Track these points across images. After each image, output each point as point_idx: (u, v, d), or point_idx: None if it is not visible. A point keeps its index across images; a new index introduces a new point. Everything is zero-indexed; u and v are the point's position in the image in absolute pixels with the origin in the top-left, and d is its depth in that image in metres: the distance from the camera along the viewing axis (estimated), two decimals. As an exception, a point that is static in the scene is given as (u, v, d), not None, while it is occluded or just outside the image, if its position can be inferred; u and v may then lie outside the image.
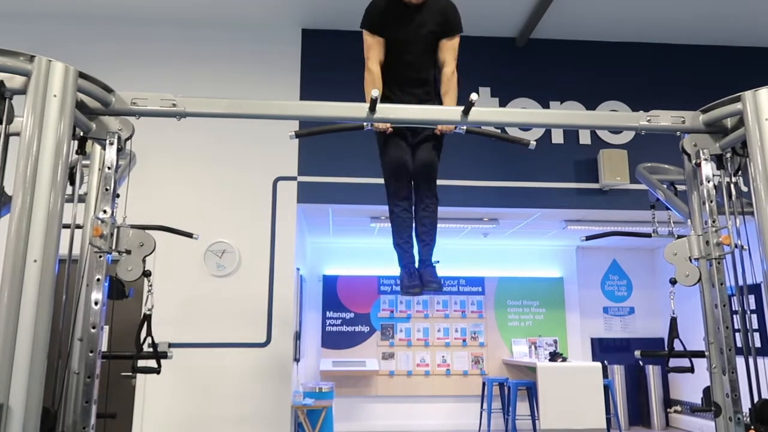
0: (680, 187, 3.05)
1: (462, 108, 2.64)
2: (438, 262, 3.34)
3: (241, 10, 6.01)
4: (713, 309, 2.48)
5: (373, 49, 3.21)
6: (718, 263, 2.48)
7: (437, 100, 3.31)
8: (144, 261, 2.38)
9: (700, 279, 2.51)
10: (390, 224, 3.34)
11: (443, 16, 3.22)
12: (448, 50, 3.25)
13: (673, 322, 2.64)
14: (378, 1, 3.22)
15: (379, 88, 3.08)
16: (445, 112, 2.79)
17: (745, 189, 2.52)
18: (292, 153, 5.93)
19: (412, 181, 3.29)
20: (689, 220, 2.73)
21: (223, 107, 2.61)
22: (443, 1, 3.24)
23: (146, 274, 2.41)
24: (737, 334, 2.51)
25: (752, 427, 2.31)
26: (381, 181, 3.34)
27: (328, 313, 8.73)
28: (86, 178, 2.67)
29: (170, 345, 2.60)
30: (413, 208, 3.31)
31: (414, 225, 3.32)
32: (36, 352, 1.88)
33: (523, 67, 6.42)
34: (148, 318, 2.52)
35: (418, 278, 3.27)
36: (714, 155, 2.59)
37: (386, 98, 3.16)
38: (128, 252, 2.36)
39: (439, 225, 3.36)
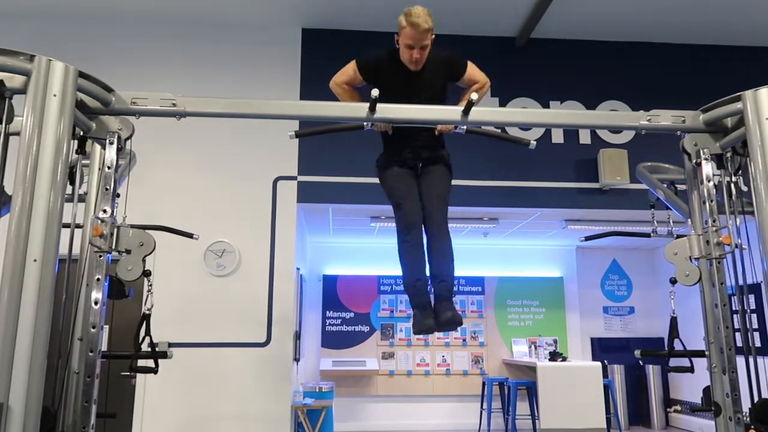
0: (680, 187, 3.05)
1: (462, 108, 2.64)
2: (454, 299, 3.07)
3: (241, 10, 6.00)
4: (713, 309, 2.48)
5: (350, 79, 3.15)
6: (718, 263, 2.48)
7: (443, 150, 3.26)
8: (144, 261, 2.38)
9: (700, 278, 2.51)
10: (398, 256, 3.09)
11: (445, 64, 3.18)
12: (471, 78, 3.21)
13: (673, 321, 2.64)
14: (381, 55, 3.15)
15: (356, 95, 3.09)
16: (445, 112, 2.79)
17: (745, 188, 2.52)
18: (292, 153, 5.93)
19: (421, 213, 3.09)
20: (689, 220, 2.73)
21: (223, 107, 2.61)
22: (439, 56, 3.16)
23: (146, 273, 2.42)
24: (737, 334, 2.51)
25: (752, 426, 2.31)
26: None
27: (328, 312, 8.72)
28: (86, 178, 2.67)
29: (170, 345, 2.61)
30: (425, 242, 3.08)
31: (428, 263, 3.05)
32: (36, 351, 1.88)
33: (523, 67, 6.42)
34: (147, 317, 2.53)
35: (433, 315, 2.95)
36: (714, 155, 2.59)
37: (390, 150, 3.19)
38: (128, 252, 2.36)
39: (455, 263, 3.08)
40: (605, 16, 6.12)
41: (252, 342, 5.55)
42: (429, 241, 3.09)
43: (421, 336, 3.38)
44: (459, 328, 9.38)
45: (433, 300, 3.02)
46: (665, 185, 3.14)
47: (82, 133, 2.36)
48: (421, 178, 3.19)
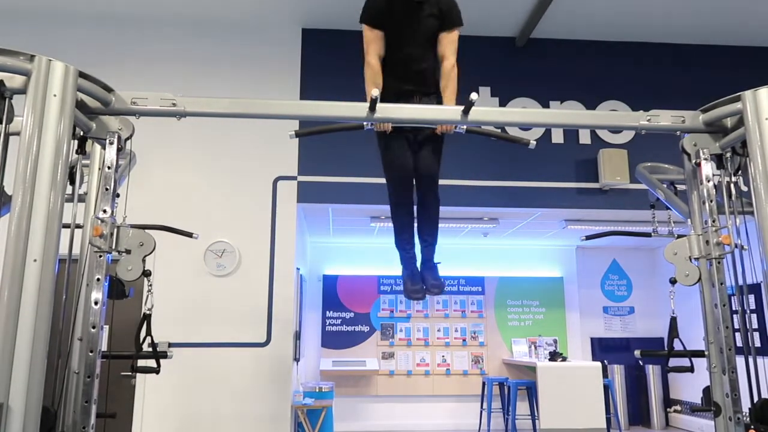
0: (680, 187, 3.05)
1: (462, 108, 2.64)
2: (439, 263, 3.35)
3: (241, 10, 6.01)
4: (713, 309, 2.48)
5: (373, 43, 3.20)
6: (718, 263, 2.48)
7: (438, 93, 3.29)
8: (144, 261, 2.38)
9: (700, 279, 2.51)
10: (391, 223, 3.36)
11: (443, 9, 3.22)
12: (448, 44, 3.23)
13: (673, 321, 2.64)
14: None
15: (379, 82, 3.10)
16: (445, 112, 2.78)
17: (745, 189, 2.52)
18: (292, 153, 5.93)
19: (413, 181, 3.29)
20: (689, 220, 2.73)
21: (223, 107, 2.61)
22: None
23: (146, 273, 2.41)
24: (737, 334, 2.51)
25: (752, 426, 2.31)
26: (381, 180, 3.33)
27: (328, 312, 8.72)
28: (86, 178, 2.67)
29: (170, 345, 2.61)
30: (415, 207, 3.32)
31: (416, 224, 3.34)
32: (36, 351, 1.88)
33: (523, 66, 6.42)
34: (147, 318, 2.52)
35: (421, 281, 3.31)
36: (714, 155, 2.59)
37: (386, 91, 3.13)
38: (128, 252, 2.36)
39: (439, 225, 3.37)
40: (605, 16, 6.12)
41: (252, 342, 5.55)
42: (419, 202, 3.31)
43: (413, 300, 3.97)
44: (459, 328, 9.35)
45: (420, 263, 3.37)
46: (665, 185, 3.14)
47: (82, 133, 2.36)
48: (417, 145, 3.27)
